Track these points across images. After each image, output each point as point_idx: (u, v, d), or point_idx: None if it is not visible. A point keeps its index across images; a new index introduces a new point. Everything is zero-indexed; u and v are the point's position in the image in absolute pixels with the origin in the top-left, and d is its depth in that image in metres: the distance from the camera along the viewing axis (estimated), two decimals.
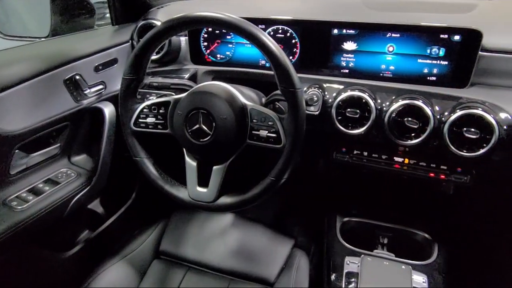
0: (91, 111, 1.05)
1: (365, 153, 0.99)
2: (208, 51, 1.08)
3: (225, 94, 0.79)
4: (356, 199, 1.23)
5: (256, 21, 0.98)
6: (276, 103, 0.86)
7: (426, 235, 1.07)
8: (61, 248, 1.11)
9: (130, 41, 1.15)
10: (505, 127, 0.79)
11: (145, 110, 0.85)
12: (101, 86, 1.07)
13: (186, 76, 1.07)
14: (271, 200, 1.57)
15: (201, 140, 0.78)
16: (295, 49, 0.99)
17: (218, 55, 1.07)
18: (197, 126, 0.78)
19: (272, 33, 0.99)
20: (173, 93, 0.98)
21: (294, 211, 1.53)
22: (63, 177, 1.00)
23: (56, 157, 1.02)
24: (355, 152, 1.00)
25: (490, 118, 0.78)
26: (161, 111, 0.85)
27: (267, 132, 0.77)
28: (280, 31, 0.99)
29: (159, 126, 0.85)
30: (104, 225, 1.22)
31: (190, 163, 0.84)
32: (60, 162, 1.04)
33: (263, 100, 0.93)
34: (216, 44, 1.07)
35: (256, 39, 0.72)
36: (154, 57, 1.08)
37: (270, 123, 0.77)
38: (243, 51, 1.05)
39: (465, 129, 0.80)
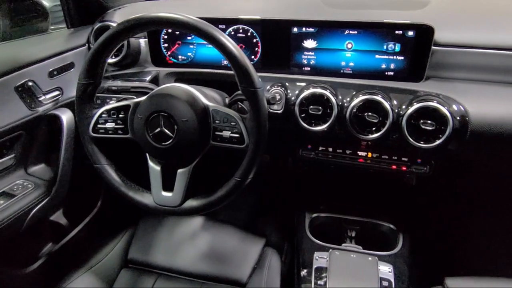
0: (48, 118, 1.01)
1: (330, 149, 1.01)
2: (169, 52, 1.06)
3: (186, 96, 0.77)
4: (324, 194, 1.25)
5: (216, 21, 0.98)
6: (239, 103, 0.86)
7: (392, 226, 1.11)
8: (22, 263, 1.06)
9: (87, 44, 1.11)
10: (458, 118, 0.82)
11: (103, 115, 0.83)
12: (57, 92, 1.02)
13: (148, 78, 1.04)
14: (243, 200, 1.58)
15: (164, 143, 0.77)
16: (256, 49, 0.99)
17: (180, 57, 1.06)
18: (159, 129, 0.76)
19: (233, 33, 0.99)
20: (134, 97, 0.96)
21: (266, 210, 1.54)
22: (19, 189, 0.95)
23: (11, 168, 0.97)
24: (320, 148, 1.01)
25: (444, 110, 0.81)
26: (120, 115, 0.82)
27: (230, 132, 0.77)
28: (240, 30, 0.98)
29: (119, 131, 0.83)
30: (68, 237, 1.17)
31: (154, 167, 0.83)
32: (16, 174, 0.98)
33: (227, 100, 0.93)
34: (177, 45, 1.05)
35: (213, 40, 0.71)
36: (112, 60, 1.04)
37: (232, 123, 0.77)
38: (205, 52, 1.04)
39: (421, 121, 0.83)
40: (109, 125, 0.82)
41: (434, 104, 0.82)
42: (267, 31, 0.97)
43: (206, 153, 0.81)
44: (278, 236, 1.39)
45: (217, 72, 1.03)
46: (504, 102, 0.85)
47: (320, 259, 0.95)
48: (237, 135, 0.76)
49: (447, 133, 0.81)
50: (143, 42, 1.08)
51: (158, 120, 0.76)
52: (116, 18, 1.11)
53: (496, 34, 0.89)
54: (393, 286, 0.89)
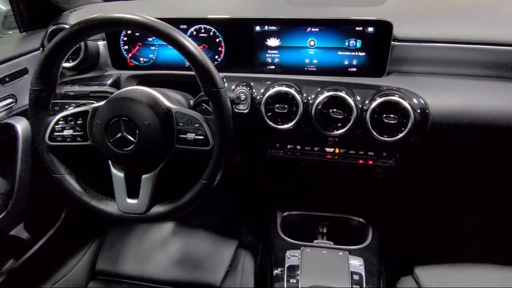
0: (1, 128, 0.95)
1: (298, 147, 1.01)
2: (130, 54, 1.02)
3: (147, 99, 0.75)
4: (295, 192, 1.25)
5: (177, 21, 0.96)
6: (203, 104, 0.84)
7: (361, 220, 1.13)
8: None
9: (41, 48, 1.05)
10: (419, 111, 0.84)
11: (60, 122, 0.79)
12: (10, 100, 0.96)
13: (108, 82, 1.00)
14: (216, 202, 1.56)
15: (125, 149, 0.74)
16: (220, 48, 0.97)
17: (141, 59, 1.03)
18: (119, 135, 0.73)
19: (195, 33, 0.97)
20: (95, 102, 0.92)
21: (240, 210, 1.53)
22: None
23: None
24: (288, 146, 1.01)
25: (405, 103, 0.83)
26: (78, 122, 0.79)
27: (194, 135, 0.75)
28: (202, 30, 0.96)
29: (78, 139, 0.79)
30: (31, 251, 1.10)
31: (117, 174, 0.80)
32: None
33: (192, 102, 0.91)
34: (137, 47, 1.02)
35: (172, 40, 0.69)
36: (69, 64, 1.00)
37: (196, 125, 0.75)
38: (168, 53, 1.01)
39: (384, 115, 0.84)
40: (67, 132, 0.79)
41: (395, 98, 0.84)
42: (230, 31, 0.95)
43: (172, 157, 0.79)
44: (253, 236, 1.39)
45: (181, 73, 1.00)
46: (461, 94, 0.88)
47: (292, 257, 0.95)
48: (201, 137, 0.75)
49: (409, 126, 0.83)
50: (101, 44, 1.04)
51: (118, 125, 0.73)
52: (72, 20, 1.06)
53: (452, 28, 0.92)
54: (364, 280, 0.90)
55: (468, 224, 1.39)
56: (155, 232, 1.11)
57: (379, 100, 0.84)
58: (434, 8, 1.01)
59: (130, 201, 0.79)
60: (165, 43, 0.70)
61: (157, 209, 0.80)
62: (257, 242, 1.26)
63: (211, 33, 0.96)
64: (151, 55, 1.02)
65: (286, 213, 1.15)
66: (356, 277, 0.89)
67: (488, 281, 0.88)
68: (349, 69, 0.93)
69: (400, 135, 0.84)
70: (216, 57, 0.98)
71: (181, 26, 0.96)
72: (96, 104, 0.78)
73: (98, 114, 0.75)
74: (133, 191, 0.80)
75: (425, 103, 0.85)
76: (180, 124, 0.76)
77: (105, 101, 0.76)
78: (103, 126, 0.74)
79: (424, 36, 0.91)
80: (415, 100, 0.85)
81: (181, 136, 0.76)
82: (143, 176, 0.78)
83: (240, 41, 0.95)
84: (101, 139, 0.75)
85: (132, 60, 1.03)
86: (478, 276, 0.90)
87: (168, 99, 0.79)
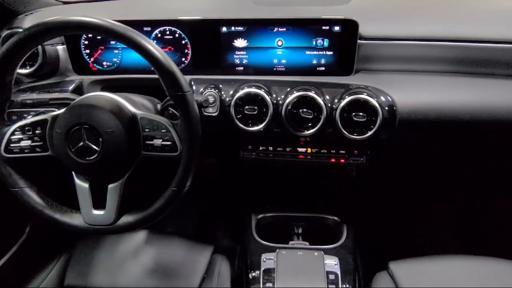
0: None
1: (271, 148, 1.00)
2: (92, 59, 0.98)
3: (110, 105, 0.72)
4: (270, 194, 1.25)
5: (140, 23, 0.93)
6: (170, 108, 0.82)
7: (336, 218, 1.13)
8: None
9: None
10: (386, 108, 0.85)
11: (17, 132, 0.74)
12: None
13: (70, 88, 0.96)
14: (191, 207, 1.53)
15: (88, 158, 0.70)
16: (186, 50, 0.95)
17: (105, 63, 0.99)
18: (82, 143, 0.70)
19: (159, 35, 0.94)
20: (55, 109, 0.87)
21: (215, 215, 1.50)
22: None
23: None
24: (261, 148, 1.00)
25: (373, 101, 0.84)
26: (37, 131, 0.75)
27: (161, 140, 0.73)
28: (167, 32, 0.94)
29: (38, 149, 0.75)
30: None
31: (81, 185, 0.76)
32: None
33: (159, 106, 0.88)
34: (100, 51, 0.97)
35: (133, 43, 0.66)
36: (26, 70, 0.95)
37: (163, 130, 0.73)
38: (132, 56, 0.98)
39: (354, 114, 0.85)
40: (25, 143, 0.74)
41: (364, 96, 0.84)
42: (196, 32, 0.93)
43: (139, 164, 0.76)
44: (230, 239, 1.37)
45: (147, 77, 0.97)
46: (427, 90, 0.90)
47: (267, 260, 0.94)
48: (169, 142, 0.72)
49: (377, 123, 0.84)
50: (61, 48, 0.99)
51: (80, 133, 0.70)
52: (27, 23, 1.00)
53: (417, 26, 0.93)
54: (340, 279, 0.90)
55: (441, 217, 1.43)
56: (127, 242, 1.07)
57: (348, 99, 0.85)
58: (399, 6, 1.02)
59: (96, 212, 0.76)
60: None
61: (126, 219, 0.77)
62: (234, 246, 1.25)
63: (177, 35, 0.94)
64: (114, 59, 0.98)
65: (260, 216, 1.14)
66: (332, 276, 0.89)
67: (461, 272, 0.90)
68: (318, 69, 0.93)
69: (370, 133, 0.85)
70: (183, 59, 0.96)
71: (145, 29, 0.93)
72: (56, 112, 0.74)
73: (58, 123, 0.71)
74: (99, 202, 0.76)
75: (393, 100, 0.86)
76: (146, 130, 0.73)
77: (65, 109, 0.72)
78: (64, 135, 0.70)
79: (390, 34, 0.93)
80: (382, 98, 0.86)
81: (147, 142, 0.73)
82: (109, 186, 0.75)
83: (206, 43, 0.93)
84: (62, 149, 0.71)
85: (94, 64, 0.99)
86: (451, 267, 0.92)
87: (133, 104, 0.76)
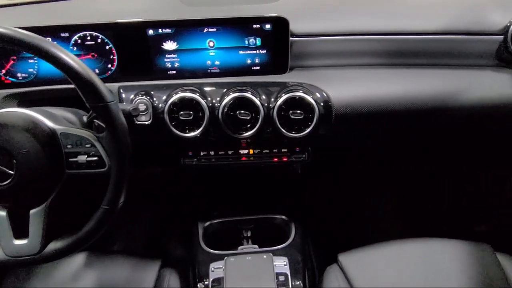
0: None
1: (212, 152, 0.97)
2: (4, 71, 0.88)
3: (23, 122, 0.65)
4: (217, 200, 1.22)
5: (56, 29, 0.85)
6: (95, 120, 0.75)
7: (284, 217, 1.13)
8: None
9: None
10: (322, 104, 0.86)
11: None
12: None
13: None
14: (137, 222, 1.46)
15: (2, 184, 0.63)
16: (112, 56, 0.88)
17: (19, 74, 0.89)
18: None
19: (79, 41, 0.86)
20: None
21: (164, 227, 1.44)
22: None
23: None
24: (201, 153, 0.97)
25: (309, 98, 0.84)
26: None
27: (86, 156, 0.67)
28: (88, 38, 0.86)
29: None
30: None
31: None
32: None
33: (85, 118, 0.81)
34: (12, 62, 0.88)
35: (42, 52, 0.60)
36: None
37: (87, 145, 0.67)
38: (51, 65, 0.89)
39: (291, 112, 0.84)
40: None
41: (300, 94, 0.84)
42: (120, 36, 0.87)
43: (66, 184, 0.70)
44: (181, 250, 1.32)
45: (70, 87, 0.89)
46: (359, 83, 0.92)
47: (216, 270, 0.91)
48: (95, 158, 0.66)
49: (315, 120, 0.85)
50: None
51: None
52: None
53: (347, 21, 0.95)
54: (289, 279, 0.90)
55: (385, 204, 1.49)
56: (65, 267, 0.98)
57: (284, 97, 0.84)
58: (328, 2, 1.04)
59: (18, 242, 0.68)
60: None
61: (54, 246, 0.70)
62: (185, 257, 1.20)
63: (99, 40, 0.87)
64: (30, 69, 0.89)
65: (207, 223, 1.10)
66: (281, 277, 0.88)
67: (406, 255, 0.93)
68: (253, 68, 0.91)
69: (308, 130, 0.85)
70: (109, 66, 0.89)
71: (62, 35, 0.85)
72: None
73: None
74: (21, 230, 0.68)
75: (328, 96, 0.87)
76: (68, 146, 0.67)
77: None
78: None
79: (321, 30, 0.93)
80: (318, 94, 0.87)
81: (71, 159, 0.67)
82: (31, 211, 0.67)
83: (133, 47, 0.88)
84: None
85: (7, 77, 0.89)
86: (397, 252, 0.95)
87: (53, 119, 0.69)
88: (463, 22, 0.93)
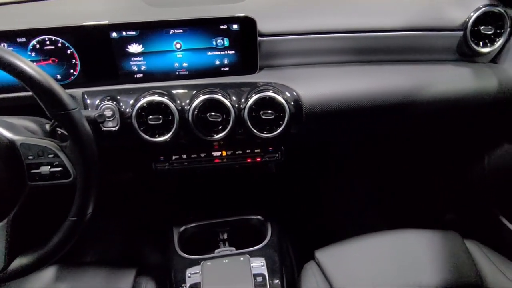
0: None
1: (184, 156, 0.95)
2: None
3: None
4: (192, 203, 1.20)
5: (10, 34, 0.81)
6: (58, 129, 0.72)
7: (260, 217, 1.13)
8: None
9: None
10: (292, 103, 0.86)
11: None
12: None
13: None
14: (112, 230, 1.41)
15: None
16: (74, 61, 0.85)
17: None
18: None
19: (38, 46, 0.82)
20: None
21: (139, 234, 1.40)
22: None
23: None
24: (174, 157, 0.95)
25: (280, 98, 0.84)
26: None
27: (49, 167, 0.64)
28: (48, 42, 0.83)
29: None
30: None
31: None
32: None
33: (48, 127, 0.78)
34: None
35: None
36: None
37: (50, 156, 0.64)
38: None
39: (262, 112, 0.84)
40: None
41: (270, 93, 0.84)
42: (82, 40, 0.84)
43: (30, 197, 0.66)
44: (157, 256, 1.30)
45: (30, 94, 0.85)
46: (328, 81, 0.93)
47: (192, 275, 0.90)
48: (59, 168, 0.64)
49: (286, 119, 0.85)
50: None
51: None
52: None
53: (312, 19, 0.96)
54: (267, 279, 0.90)
55: (359, 199, 1.52)
56: (34, 283, 0.94)
57: (254, 97, 0.84)
58: (296, 1, 1.04)
59: None
60: None
61: (20, 262, 0.66)
62: (161, 263, 1.18)
63: (59, 45, 0.83)
64: None
65: (182, 228, 1.09)
66: (259, 278, 0.88)
67: (381, 248, 0.95)
68: (222, 69, 0.90)
69: (279, 129, 0.85)
70: (71, 71, 0.85)
71: (19, 40, 0.81)
72: None
73: None
74: None
75: (298, 95, 0.87)
76: (30, 157, 0.64)
77: None
78: None
79: (289, 30, 0.94)
80: (288, 94, 0.87)
81: (33, 171, 0.64)
82: None
83: (96, 51, 0.85)
84: None
85: None
86: (372, 245, 0.97)
87: (11, 129, 0.66)
88: (425, 19, 0.96)
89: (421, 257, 0.92)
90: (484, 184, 1.21)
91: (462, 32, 0.96)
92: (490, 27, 0.95)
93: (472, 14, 0.95)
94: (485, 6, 0.94)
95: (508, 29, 0.96)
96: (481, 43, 0.97)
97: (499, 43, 0.97)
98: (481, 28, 0.95)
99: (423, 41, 0.97)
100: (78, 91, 0.85)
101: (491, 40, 0.98)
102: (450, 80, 0.96)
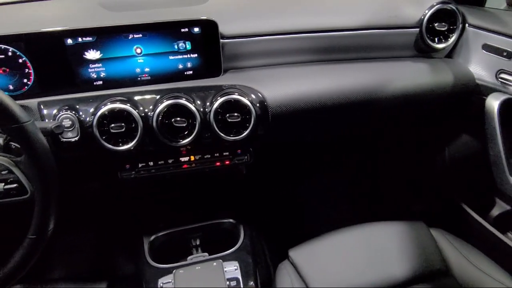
0: None
1: (151, 163, 0.93)
2: None
3: None
4: (161, 211, 1.17)
5: None
6: (12, 143, 0.68)
7: (232, 220, 1.12)
8: None
9: None
10: (258, 105, 0.86)
11: None
12: None
13: None
14: (80, 243, 1.36)
15: None
16: (27, 70, 0.81)
17: None
18: None
19: None
20: None
21: (107, 247, 1.36)
22: None
23: None
24: (140, 165, 0.92)
25: (245, 100, 0.84)
26: None
27: (3, 184, 0.60)
28: None
29: None
30: None
31: None
32: None
33: (1, 141, 0.73)
34: None
35: None
36: None
37: (4, 172, 0.61)
38: None
39: (228, 115, 0.84)
40: None
41: (235, 96, 0.84)
42: (34, 48, 0.79)
43: None
44: (129, 266, 1.26)
45: None
46: (292, 81, 0.93)
47: (165, 285, 0.88)
48: (14, 185, 0.61)
49: (252, 121, 0.85)
50: None
51: None
52: None
53: (277, 20, 0.96)
54: (241, 282, 0.90)
55: (329, 195, 1.54)
56: None
57: (219, 101, 0.83)
58: (257, 3, 1.04)
59: None
60: None
61: None
62: (133, 274, 1.14)
63: (10, 53, 0.78)
64: None
65: (153, 237, 1.06)
66: (233, 283, 0.88)
67: (353, 243, 0.97)
68: (185, 73, 0.89)
69: (246, 132, 0.85)
70: (25, 80, 0.81)
71: None
72: None
73: None
74: None
75: (263, 96, 0.87)
76: None
77: None
78: None
79: (252, 31, 0.93)
80: (253, 95, 0.87)
81: None
82: None
83: (51, 59, 0.81)
84: None
85: None
86: (345, 240, 0.99)
87: None
88: (382, 17, 0.99)
89: (390, 248, 0.95)
90: (446, 174, 1.26)
91: (418, 29, 1.00)
92: (444, 23, 1.00)
93: (426, 11, 0.98)
94: (438, 3, 0.98)
95: (460, 25, 1.01)
96: (436, 39, 1.01)
97: (452, 38, 1.02)
98: (435, 25, 1.00)
99: (382, 39, 1.00)
100: (33, 102, 0.81)
101: (445, 36, 1.02)
102: (409, 76, 0.99)
